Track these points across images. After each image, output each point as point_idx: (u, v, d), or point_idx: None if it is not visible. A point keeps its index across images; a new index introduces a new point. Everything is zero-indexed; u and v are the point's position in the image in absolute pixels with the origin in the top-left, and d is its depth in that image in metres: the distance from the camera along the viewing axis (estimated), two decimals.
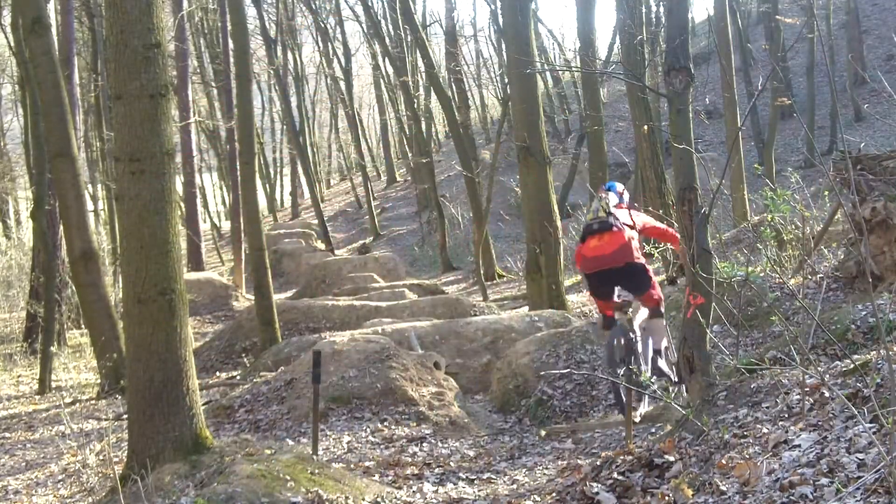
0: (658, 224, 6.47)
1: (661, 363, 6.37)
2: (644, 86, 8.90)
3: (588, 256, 6.07)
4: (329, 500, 4.68)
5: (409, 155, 31.70)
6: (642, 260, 6.09)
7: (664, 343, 6.46)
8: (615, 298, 6.13)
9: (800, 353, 4.58)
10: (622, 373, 5.87)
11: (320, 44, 35.37)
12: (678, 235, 6.00)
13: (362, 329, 10.88)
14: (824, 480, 2.96)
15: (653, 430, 6.03)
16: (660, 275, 13.47)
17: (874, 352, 4.51)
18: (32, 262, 15.62)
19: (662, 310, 6.43)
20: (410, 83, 25.42)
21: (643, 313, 6.43)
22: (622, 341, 6.08)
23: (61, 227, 12.48)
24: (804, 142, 22.53)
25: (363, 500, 4.90)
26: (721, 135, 25.66)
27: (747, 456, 3.46)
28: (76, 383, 11.61)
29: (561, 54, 38.07)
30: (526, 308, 12.93)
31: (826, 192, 10.49)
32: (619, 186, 6.65)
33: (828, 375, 4.05)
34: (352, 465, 6.08)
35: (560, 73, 30.44)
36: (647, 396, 6.04)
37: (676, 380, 6.15)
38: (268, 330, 11.61)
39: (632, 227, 6.13)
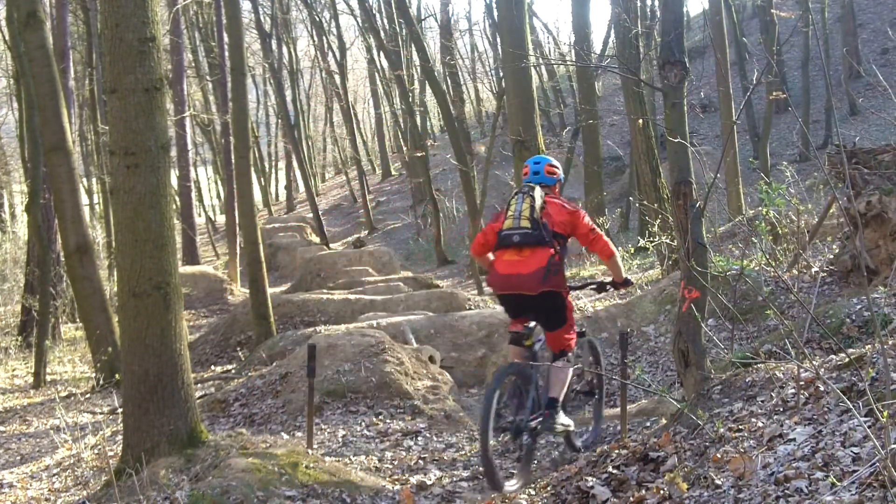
0: (590, 232, 5.09)
1: (560, 417, 5.11)
2: (639, 80, 8.89)
3: (501, 273, 4.99)
4: (324, 493, 4.68)
5: (404, 149, 31.68)
6: (563, 286, 5.00)
7: (562, 392, 5.15)
8: (529, 324, 5.10)
9: (795, 346, 4.60)
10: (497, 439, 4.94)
11: (315, 38, 35.30)
12: (612, 248, 5.13)
13: (357, 323, 10.88)
14: (819, 474, 2.97)
15: (648, 423, 6.04)
16: (654, 269, 13.47)
17: (869, 345, 4.53)
18: (27, 255, 15.59)
19: (570, 355, 5.27)
20: (405, 77, 25.38)
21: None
22: (512, 384, 4.98)
23: (56, 221, 12.44)
24: (799, 136, 22.56)
25: (358, 493, 4.90)
26: (716, 128, 25.68)
27: (742, 450, 3.46)
28: (71, 377, 11.61)
29: (556, 48, 38.10)
30: None
31: (821, 186, 10.52)
32: (553, 162, 5.39)
33: (823, 369, 4.05)
34: (347, 459, 6.08)
35: (555, 66, 30.42)
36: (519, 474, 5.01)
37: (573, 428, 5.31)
38: (263, 324, 11.60)
39: (565, 235, 5.05)
